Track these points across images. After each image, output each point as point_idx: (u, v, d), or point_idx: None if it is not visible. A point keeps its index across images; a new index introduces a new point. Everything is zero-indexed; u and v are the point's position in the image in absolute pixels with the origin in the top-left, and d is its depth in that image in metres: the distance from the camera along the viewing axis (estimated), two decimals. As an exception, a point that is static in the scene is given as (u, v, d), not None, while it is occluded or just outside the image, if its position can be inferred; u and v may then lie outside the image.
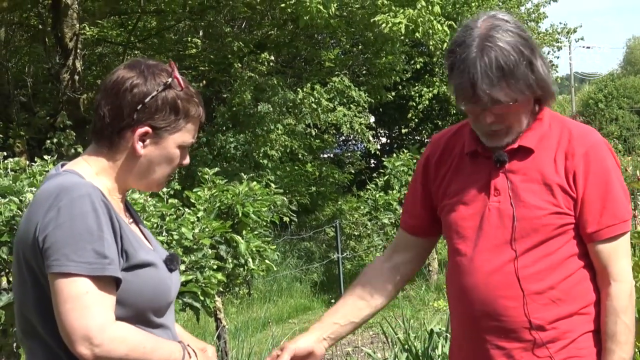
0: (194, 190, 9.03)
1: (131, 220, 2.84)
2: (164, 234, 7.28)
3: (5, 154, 6.85)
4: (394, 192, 15.30)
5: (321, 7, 14.70)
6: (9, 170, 6.57)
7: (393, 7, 15.57)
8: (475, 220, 3.08)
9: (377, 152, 24.04)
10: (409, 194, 3.40)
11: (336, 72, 22.76)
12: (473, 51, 2.91)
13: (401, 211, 3.52)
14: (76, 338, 2.48)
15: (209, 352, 2.93)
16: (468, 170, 3.14)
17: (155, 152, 2.76)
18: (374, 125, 25.93)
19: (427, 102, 26.75)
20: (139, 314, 2.68)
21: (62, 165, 2.80)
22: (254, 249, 8.76)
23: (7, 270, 6.12)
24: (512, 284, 2.99)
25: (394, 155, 16.60)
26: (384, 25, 15.30)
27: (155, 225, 7.21)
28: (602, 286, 3.03)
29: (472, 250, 3.08)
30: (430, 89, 26.61)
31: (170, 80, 2.75)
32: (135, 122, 2.71)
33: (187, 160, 2.86)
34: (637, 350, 4.34)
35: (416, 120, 27.67)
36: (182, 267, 7.20)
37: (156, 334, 2.71)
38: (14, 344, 6.22)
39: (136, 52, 21.46)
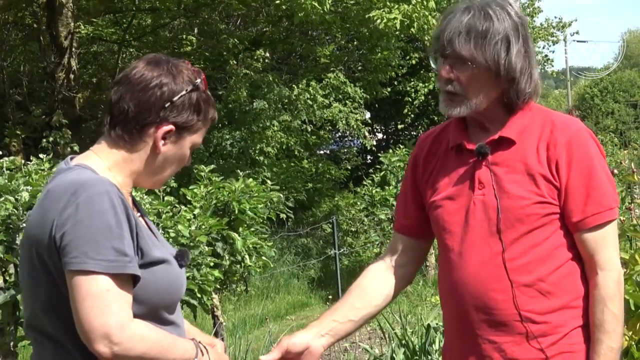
0: (190, 187, 9.04)
1: (139, 214, 2.83)
2: (161, 231, 7.28)
3: (0, 153, 6.85)
4: (391, 187, 15.31)
5: (316, 4, 14.70)
6: (4, 169, 6.56)
7: (388, 3, 15.57)
8: (461, 215, 3.07)
9: (374, 148, 24.09)
10: (401, 195, 3.40)
11: (331, 68, 22.77)
12: (457, 10, 2.99)
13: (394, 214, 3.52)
14: (95, 336, 2.47)
15: (218, 347, 2.93)
16: (453, 165, 3.14)
17: (172, 150, 2.77)
18: (369, 121, 25.95)
19: (422, 97, 26.76)
20: (153, 311, 2.67)
21: (71, 159, 2.78)
22: (250, 245, 8.78)
23: (3, 270, 6.12)
24: (500, 277, 2.98)
25: (390, 150, 16.60)
26: (379, 21, 15.31)
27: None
28: (590, 276, 3.01)
29: (460, 245, 3.07)
30: (426, 84, 26.62)
31: (199, 81, 2.78)
32: (160, 119, 2.71)
33: (190, 161, 2.89)
34: (634, 343, 4.34)
35: (412, 115, 27.68)
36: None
37: (168, 331, 2.71)
38: (11, 343, 6.22)
39: (131, 50, 21.46)
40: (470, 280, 3.03)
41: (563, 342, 3.01)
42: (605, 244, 2.99)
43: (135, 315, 2.58)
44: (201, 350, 2.78)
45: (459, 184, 3.10)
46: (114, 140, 2.74)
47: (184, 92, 2.73)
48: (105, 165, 2.73)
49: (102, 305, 2.48)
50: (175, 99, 2.72)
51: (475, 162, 3.06)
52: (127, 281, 2.56)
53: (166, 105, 2.71)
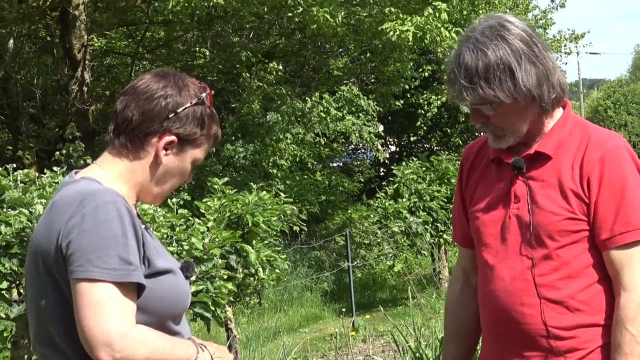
0: (203, 200, 9.04)
1: (143, 226, 2.83)
2: (174, 244, 7.28)
3: (14, 165, 6.86)
4: (404, 200, 15.29)
5: (328, 17, 14.71)
6: (18, 182, 6.57)
7: (400, 15, 15.57)
8: (497, 228, 3.08)
9: (386, 161, 24.05)
10: (456, 208, 3.39)
11: (344, 81, 22.77)
12: (459, 53, 2.96)
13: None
14: (97, 344, 2.47)
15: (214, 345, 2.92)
16: (492, 177, 3.14)
17: (174, 162, 2.78)
18: (382, 133, 25.93)
19: (435, 109, 26.72)
20: (159, 321, 2.67)
21: (75, 173, 2.79)
22: (264, 258, 8.76)
23: (17, 282, 6.12)
24: (529, 292, 2.98)
25: (403, 163, 16.60)
26: (391, 33, 15.31)
27: (165, 235, 7.21)
28: (615, 295, 2.98)
29: (495, 258, 3.08)
30: (439, 96, 26.58)
31: (204, 95, 2.80)
32: (163, 129, 2.73)
33: (190, 179, 2.89)
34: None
35: (425, 128, 27.65)
36: (193, 277, 7.19)
37: None
38: (25, 356, 6.22)
39: (144, 62, 21.50)
40: (501, 294, 3.03)
41: (590, 358, 3.00)
42: (631, 264, 2.95)
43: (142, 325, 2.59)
44: (200, 347, 2.78)
45: (496, 196, 3.10)
46: (117, 150, 2.76)
47: (188, 105, 2.76)
48: (109, 177, 2.74)
49: (105, 312, 2.48)
50: (179, 110, 2.74)
51: (513, 175, 3.05)
52: (132, 290, 2.56)
53: (170, 116, 2.73)
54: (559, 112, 3.09)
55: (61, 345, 2.62)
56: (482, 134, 3.33)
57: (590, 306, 2.99)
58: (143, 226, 2.79)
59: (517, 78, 2.91)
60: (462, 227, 3.33)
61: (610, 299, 3.00)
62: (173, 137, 2.74)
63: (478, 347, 3.42)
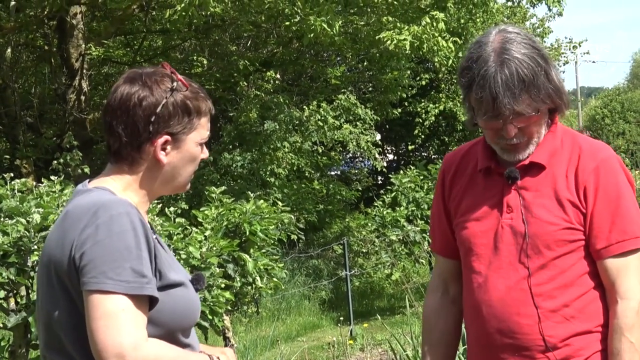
0: (201, 209, 9.04)
1: (155, 236, 2.82)
2: (172, 253, 7.27)
3: (12, 175, 6.85)
4: (402, 208, 15.28)
5: (325, 26, 14.71)
6: (15, 191, 6.57)
7: (398, 24, 15.58)
8: (489, 238, 3.07)
9: (384, 169, 24.04)
10: (435, 217, 3.37)
11: (342, 90, 22.78)
12: (491, 65, 2.91)
13: (429, 238, 3.50)
14: (109, 356, 2.45)
15: (228, 354, 2.90)
16: (481, 187, 3.13)
17: (178, 156, 2.76)
18: (380, 142, 25.94)
19: (433, 118, 26.72)
20: (170, 333, 2.66)
21: (89, 182, 2.79)
22: (261, 267, 8.76)
23: (15, 292, 6.12)
24: (526, 302, 2.98)
25: (401, 171, 16.60)
26: (388, 42, 15.32)
27: (162, 244, 7.19)
28: (610, 304, 2.99)
29: (487, 268, 3.07)
30: (437, 105, 26.58)
31: (175, 84, 2.75)
32: (152, 134, 2.70)
33: (206, 154, 2.86)
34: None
35: (422, 136, 27.64)
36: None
37: None
38: (23, 365, 6.21)
39: (142, 71, 21.48)
40: (495, 304, 3.02)
41: None
42: (627, 273, 2.97)
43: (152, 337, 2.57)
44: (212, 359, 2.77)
45: (486, 206, 3.09)
46: (119, 167, 2.75)
47: (164, 101, 2.71)
48: (120, 187, 2.73)
49: (117, 324, 2.47)
50: (158, 110, 2.70)
51: (504, 185, 3.05)
52: (144, 302, 2.55)
53: (152, 119, 2.69)
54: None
55: (72, 353, 2.62)
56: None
57: (584, 314, 2.99)
58: (155, 237, 2.79)
59: (551, 79, 2.95)
60: (443, 236, 3.32)
61: (603, 306, 3.01)
62: (165, 137, 2.72)
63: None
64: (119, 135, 2.70)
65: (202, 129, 2.80)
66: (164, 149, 2.73)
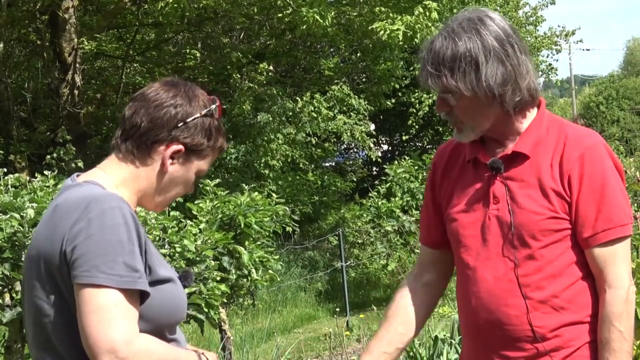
0: (195, 202, 9.03)
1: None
2: (167, 246, 7.27)
3: (5, 170, 6.84)
4: (396, 199, 15.31)
5: (318, 17, 14.69)
6: (9, 186, 6.56)
7: (390, 15, 15.57)
8: (477, 229, 3.06)
9: (379, 160, 24.06)
10: (424, 207, 3.38)
11: (335, 81, 22.77)
12: (433, 40, 2.99)
13: (420, 227, 3.49)
14: (101, 350, 2.44)
15: (210, 357, 2.90)
16: (469, 178, 3.12)
17: (179, 171, 2.78)
18: (374, 132, 25.95)
19: (427, 108, 26.75)
20: (157, 329, 2.66)
21: (77, 176, 2.78)
22: (257, 259, 8.76)
23: (9, 287, 6.11)
24: (514, 293, 2.97)
25: (396, 162, 16.65)
26: (381, 32, 15.31)
27: (157, 237, 7.20)
28: (599, 293, 2.97)
29: (475, 260, 3.06)
30: (430, 95, 26.56)
31: (214, 107, 2.81)
32: (171, 138, 2.74)
33: (192, 190, 2.89)
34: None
35: (417, 126, 27.69)
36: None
37: None
38: (19, 361, 6.21)
39: (135, 65, 21.48)
40: (484, 295, 3.02)
41: (575, 356, 2.99)
42: (615, 261, 2.95)
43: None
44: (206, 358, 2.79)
45: (474, 197, 3.08)
46: (123, 155, 2.76)
47: (197, 115, 2.77)
48: (112, 182, 2.73)
49: (109, 319, 2.46)
50: (188, 120, 2.75)
51: (490, 176, 3.04)
52: (136, 297, 2.55)
53: (179, 125, 2.74)
54: (533, 112, 3.08)
55: (60, 350, 2.61)
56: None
57: (574, 304, 2.98)
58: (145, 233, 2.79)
59: (480, 73, 2.91)
60: (426, 226, 3.33)
61: (593, 296, 3.00)
62: (180, 147, 2.75)
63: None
64: (139, 124, 2.73)
65: (207, 162, 2.85)
66: (172, 157, 2.75)
